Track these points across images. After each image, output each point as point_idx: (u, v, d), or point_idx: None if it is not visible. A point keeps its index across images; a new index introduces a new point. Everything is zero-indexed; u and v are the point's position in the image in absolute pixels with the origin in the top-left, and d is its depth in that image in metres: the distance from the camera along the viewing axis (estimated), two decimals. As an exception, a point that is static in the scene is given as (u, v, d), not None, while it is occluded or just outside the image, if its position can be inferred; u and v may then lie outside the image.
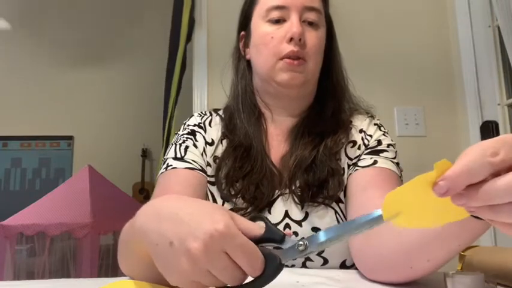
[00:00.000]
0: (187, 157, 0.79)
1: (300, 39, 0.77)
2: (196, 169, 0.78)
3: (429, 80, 1.84)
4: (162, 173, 0.79)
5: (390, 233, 0.55)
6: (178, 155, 0.80)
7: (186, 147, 0.81)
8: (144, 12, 3.98)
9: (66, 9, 3.99)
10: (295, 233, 0.74)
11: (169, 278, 0.41)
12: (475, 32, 1.75)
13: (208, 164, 0.80)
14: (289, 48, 0.77)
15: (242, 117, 0.84)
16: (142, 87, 3.97)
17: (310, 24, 0.80)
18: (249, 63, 0.88)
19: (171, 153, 0.81)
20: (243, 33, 0.89)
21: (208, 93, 1.78)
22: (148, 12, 3.95)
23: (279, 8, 0.79)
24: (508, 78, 1.67)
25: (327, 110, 0.83)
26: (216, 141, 0.83)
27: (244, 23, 0.88)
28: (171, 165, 0.78)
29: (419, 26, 1.88)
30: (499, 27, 1.56)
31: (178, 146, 0.81)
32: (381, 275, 0.58)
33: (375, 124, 0.84)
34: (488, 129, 1.64)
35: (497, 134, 1.63)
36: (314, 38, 0.79)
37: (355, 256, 0.67)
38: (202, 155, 0.81)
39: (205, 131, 0.85)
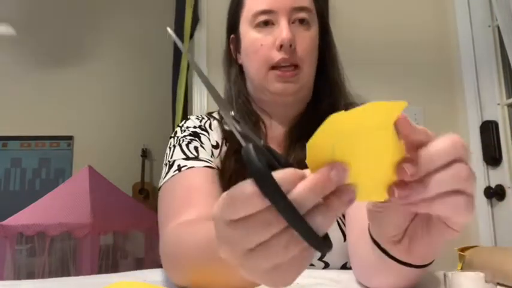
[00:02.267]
0: (202, 156, 0.75)
1: (290, 45, 0.74)
2: (214, 168, 0.75)
3: (429, 80, 1.84)
4: (173, 175, 0.72)
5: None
6: (191, 155, 0.75)
7: (196, 147, 0.77)
8: (144, 11, 3.98)
9: (64, 9, 3.99)
10: None
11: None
12: (475, 32, 1.75)
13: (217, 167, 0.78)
14: (279, 55, 0.74)
15: None
16: (142, 87, 3.97)
17: (301, 22, 0.77)
18: (241, 67, 0.85)
19: (177, 154, 0.76)
20: (232, 36, 0.86)
21: (208, 93, 1.78)
22: (147, 12, 3.95)
23: (265, 12, 0.76)
24: (508, 78, 1.67)
25: (324, 109, 0.82)
26: (220, 144, 0.81)
27: (234, 26, 0.85)
28: (186, 166, 0.72)
29: (419, 26, 1.88)
30: (499, 27, 1.56)
31: (185, 147, 0.77)
32: (369, 280, 0.57)
33: None
34: (488, 129, 1.64)
35: (497, 133, 1.63)
36: (306, 40, 0.77)
37: (351, 261, 0.66)
38: (211, 156, 0.78)
39: (208, 134, 0.82)
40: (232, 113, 0.35)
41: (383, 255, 0.45)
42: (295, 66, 0.76)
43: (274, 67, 0.76)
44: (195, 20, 1.83)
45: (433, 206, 0.34)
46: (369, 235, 0.47)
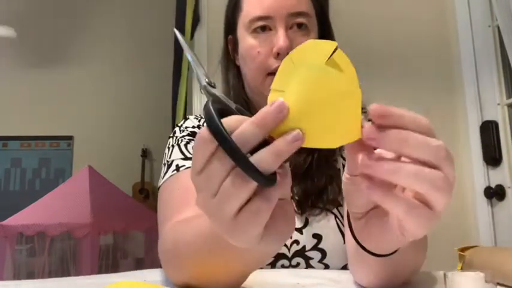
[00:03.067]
0: None
1: (287, 53, 0.73)
2: None
3: (429, 80, 1.84)
4: (172, 175, 0.72)
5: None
6: (189, 155, 0.73)
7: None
8: (145, 11, 3.98)
9: (63, 9, 3.99)
10: (296, 242, 0.73)
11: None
12: (475, 32, 1.75)
13: None
14: (277, 63, 0.74)
15: None
16: (142, 87, 3.97)
17: (300, 26, 0.76)
18: (239, 69, 0.85)
19: (176, 154, 0.75)
20: (230, 37, 0.85)
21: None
22: (148, 12, 3.95)
23: (262, 18, 0.75)
24: (508, 78, 1.67)
25: None
26: None
27: (231, 26, 0.84)
28: (184, 165, 0.71)
29: (419, 27, 1.88)
30: (499, 27, 1.57)
31: (183, 147, 0.76)
32: (354, 274, 0.58)
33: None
34: (488, 129, 1.64)
35: (497, 133, 1.63)
36: None
37: (348, 259, 0.66)
38: None
39: None
40: (207, 79, 0.39)
41: (356, 244, 0.47)
42: None
43: (270, 73, 0.75)
44: (196, 20, 1.83)
45: (374, 167, 0.34)
46: None
